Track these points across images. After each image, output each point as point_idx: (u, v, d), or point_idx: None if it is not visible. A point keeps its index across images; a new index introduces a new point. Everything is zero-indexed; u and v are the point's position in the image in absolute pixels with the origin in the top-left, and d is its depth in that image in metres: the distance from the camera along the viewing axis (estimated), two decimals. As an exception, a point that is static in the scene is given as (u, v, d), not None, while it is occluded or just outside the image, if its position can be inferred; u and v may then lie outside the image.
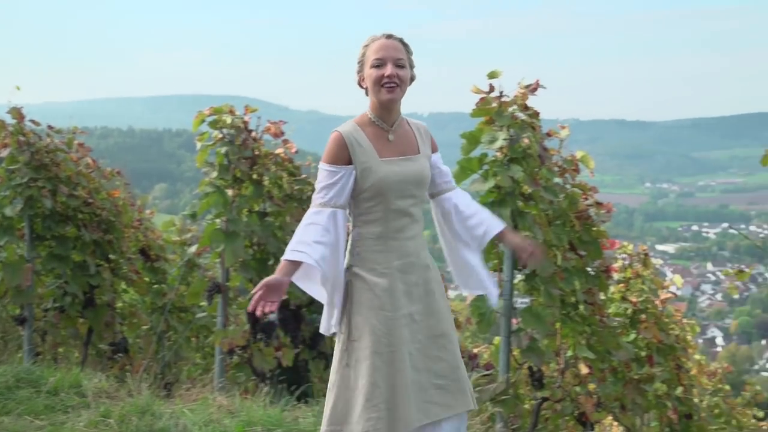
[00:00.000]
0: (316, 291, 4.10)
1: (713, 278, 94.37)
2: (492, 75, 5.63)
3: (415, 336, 4.04)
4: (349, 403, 4.00)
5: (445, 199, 4.35)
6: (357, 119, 4.14)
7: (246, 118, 6.80)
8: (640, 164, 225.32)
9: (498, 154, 5.63)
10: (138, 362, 7.61)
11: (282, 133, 7.01)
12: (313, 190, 6.90)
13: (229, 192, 6.62)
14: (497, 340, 6.02)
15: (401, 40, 4.12)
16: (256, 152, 6.75)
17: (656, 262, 7.79)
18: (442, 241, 4.45)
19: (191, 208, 6.89)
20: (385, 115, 4.09)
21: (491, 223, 4.33)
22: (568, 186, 6.01)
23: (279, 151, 7.04)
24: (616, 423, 6.99)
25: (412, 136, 4.18)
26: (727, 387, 11.13)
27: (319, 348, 6.98)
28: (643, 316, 7.05)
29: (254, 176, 6.75)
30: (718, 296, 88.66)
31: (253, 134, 6.83)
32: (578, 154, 6.03)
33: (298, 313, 6.85)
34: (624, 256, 7.31)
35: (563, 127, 5.97)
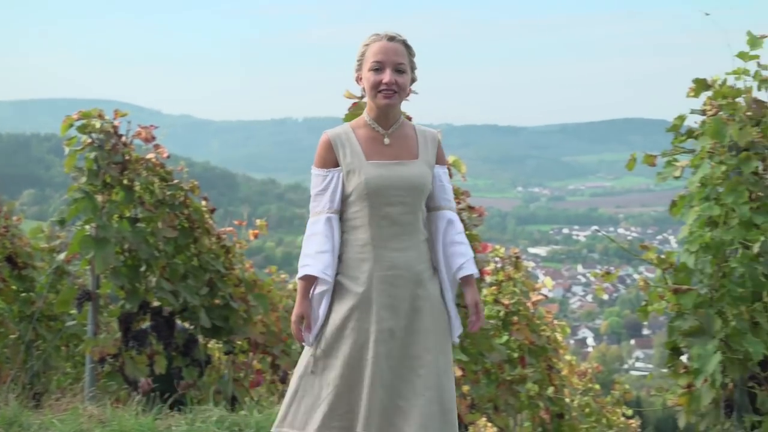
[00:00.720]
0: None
1: (584, 280, 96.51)
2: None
3: (391, 352, 3.83)
4: (311, 410, 3.86)
5: (439, 216, 4.08)
6: (353, 121, 4.02)
7: (116, 123, 6.67)
8: (513, 168, 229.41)
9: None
10: (5, 372, 7.38)
11: (153, 138, 6.89)
12: (185, 196, 6.84)
13: (99, 197, 6.48)
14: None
15: (404, 42, 3.94)
16: (127, 157, 6.62)
17: (528, 264, 7.94)
18: None
19: (60, 214, 6.70)
20: (382, 119, 3.93)
21: (469, 264, 4.05)
22: (441, 190, 6.07)
23: (150, 156, 6.92)
24: (489, 424, 7.09)
25: (413, 141, 3.98)
26: (597, 386, 11.40)
27: (192, 355, 6.89)
28: (516, 318, 7.17)
29: (125, 181, 6.62)
30: (589, 298, 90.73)
31: (123, 139, 6.70)
32: (450, 159, 6.08)
33: (171, 320, 6.75)
34: (496, 259, 7.42)
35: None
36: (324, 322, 3.88)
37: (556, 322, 8.93)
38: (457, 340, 4.19)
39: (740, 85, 5.23)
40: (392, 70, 3.84)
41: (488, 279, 7.24)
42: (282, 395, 6.51)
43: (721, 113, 5.15)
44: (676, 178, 5.35)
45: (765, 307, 4.98)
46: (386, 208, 3.84)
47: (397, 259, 3.86)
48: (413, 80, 4.03)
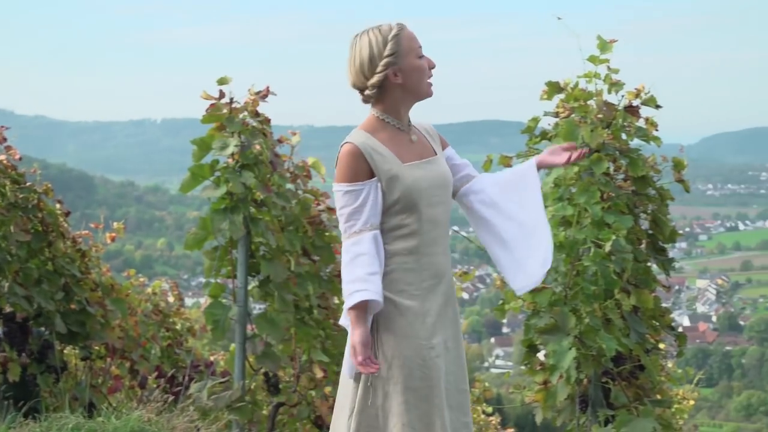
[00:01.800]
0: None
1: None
2: (222, 81, 5.59)
3: (449, 367, 3.59)
4: None
5: (476, 181, 3.85)
6: (364, 126, 3.64)
7: (-37, 124, 6.44)
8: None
9: (229, 160, 5.60)
10: None
11: (4, 139, 6.67)
12: (38, 198, 6.63)
13: (-54, 202, 6.25)
14: (233, 347, 5.98)
15: None
16: (-25, 160, 6.40)
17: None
18: (484, 234, 3.85)
19: None
20: (404, 115, 3.64)
21: (524, 169, 3.87)
22: (300, 192, 6.06)
23: (1, 157, 6.71)
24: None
25: (422, 136, 3.72)
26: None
27: (48, 361, 6.69)
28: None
29: (-27, 185, 6.40)
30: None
31: (-29, 141, 6.48)
32: (310, 161, 6.08)
33: (25, 326, 6.55)
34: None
35: (294, 134, 6.01)
36: (375, 346, 3.51)
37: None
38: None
39: (591, 88, 5.36)
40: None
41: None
42: (141, 400, 6.39)
43: (573, 115, 5.28)
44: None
45: (617, 304, 5.12)
46: (429, 210, 3.55)
47: (441, 264, 3.62)
48: None
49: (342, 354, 6.20)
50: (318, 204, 6.13)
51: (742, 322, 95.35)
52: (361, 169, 3.51)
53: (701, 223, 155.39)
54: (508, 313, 5.63)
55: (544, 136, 5.49)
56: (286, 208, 5.80)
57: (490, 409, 11.65)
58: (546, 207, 5.26)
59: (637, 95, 5.36)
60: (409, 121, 3.66)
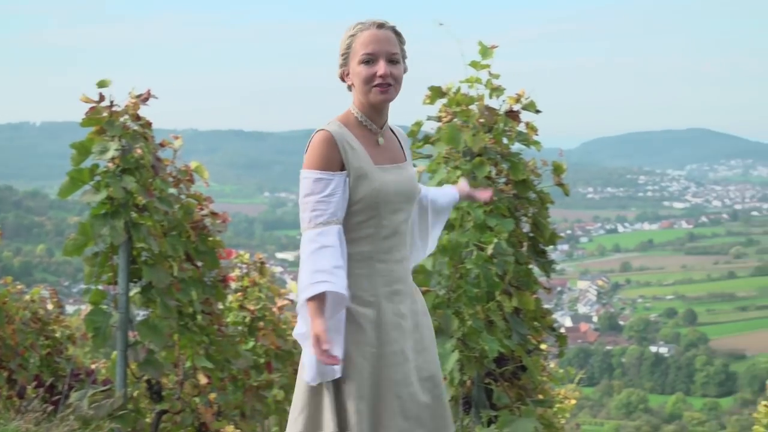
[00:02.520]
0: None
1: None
2: (101, 84, 5.49)
3: (408, 377, 3.44)
4: None
5: (423, 197, 3.80)
6: (341, 118, 3.50)
7: None
8: (259, 174, 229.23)
9: (110, 164, 5.50)
10: None
11: None
12: None
13: None
14: (114, 354, 5.87)
15: (394, 30, 3.49)
16: None
17: (276, 269, 7.93)
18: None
19: None
20: (375, 117, 3.48)
21: (444, 191, 3.91)
22: (183, 196, 5.99)
23: None
24: (237, 431, 7.06)
25: (395, 141, 3.59)
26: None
27: None
28: (261, 324, 7.16)
29: None
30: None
31: None
32: (192, 165, 6.01)
33: None
34: (241, 265, 7.39)
35: (176, 137, 5.94)
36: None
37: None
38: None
39: (473, 92, 5.43)
40: (386, 61, 3.39)
41: (233, 285, 7.20)
42: (19, 411, 6.23)
43: (455, 120, 5.34)
44: (414, 183, 5.49)
45: (499, 306, 5.19)
46: (390, 216, 3.43)
47: (397, 272, 3.49)
48: (405, 71, 3.55)
49: (227, 360, 6.16)
50: (201, 208, 6.07)
51: (621, 322, 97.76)
52: (333, 158, 3.38)
53: (582, 226, 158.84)
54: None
55: (427, 140, 5.54)
56: (168, 213, 5.72)
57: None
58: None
59: (518, 100, 5.45)
60: (384, 124, 3.54)
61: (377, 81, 3.38)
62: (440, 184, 5.33)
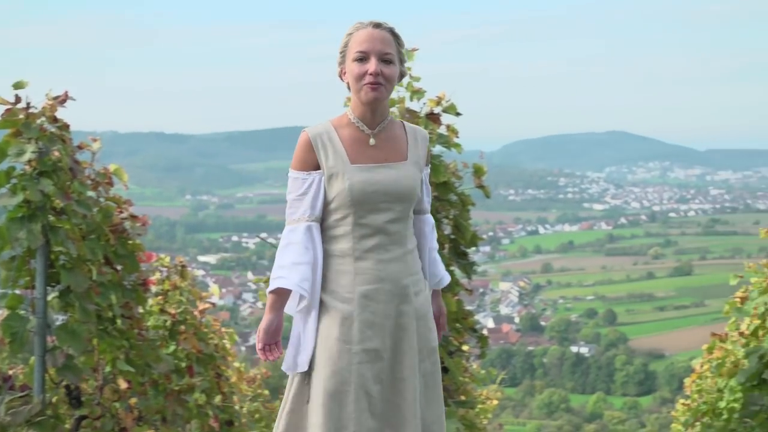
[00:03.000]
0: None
1: (254, 287, 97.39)
2: (18, 86, 5.40)
3: (379, 375, 3.48)
4: None
5: (425, 220, 3.77)
6: (335, 118, 3.59)
7: None
8: (180, 177, 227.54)
9: (26, 167, 5.42)
10: None
11: None
12: None
13: None
14: (32, 360, 5.78)
15: (392, 31, 3.52)
16: None
17: (198, 273, 7.90)
18: None
19: None
20: (368, 116, 3.53)
21: (444, 275, 3.83)
22: (102, 199, 5.92)
23: None
24: (158, 436, 7.00)
25: (402, 141, 3.60)
26: (267, 392, 11.54)
27: None
28: (183, 327, 7.11)
29: None
30: (259, 304, 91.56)
31: None
32: (111, 167, 5.95)
33: None
34: (162, 268, 7.32)
35: (95, 140, 5.87)
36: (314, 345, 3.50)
37: (223, 329, 8.95)
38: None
39: (394, 95, 5.45)
40: (378, 60, 3.44)
41: (154, 289, 7.14)
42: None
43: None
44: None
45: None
46: (371, 216, 3.48)
47: (381, 272, 3.50)
48: (402, 74, 3.60)
49: (147, 364, 6.11)
50: (121, 212, 6.00)
51: (543, 323, 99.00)
52: (308, 159, 3.51)
53: (503, 228, 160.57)
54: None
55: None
56: (87, 216, 5.65)
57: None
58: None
59: (438, 103, 5.49)
60: (381, 123, 3.58)
61: (368, 79, 3.43)
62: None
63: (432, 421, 3.66)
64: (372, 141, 3.53)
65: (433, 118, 5.48)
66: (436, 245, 3.83)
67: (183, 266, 7.45)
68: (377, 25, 3.49)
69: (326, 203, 3.51)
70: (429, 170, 3.81)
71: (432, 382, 3.67)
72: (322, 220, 3.54)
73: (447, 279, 3.86)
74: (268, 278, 5.96)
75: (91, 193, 5.83)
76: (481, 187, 5.74)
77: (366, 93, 3.46)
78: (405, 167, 3.56)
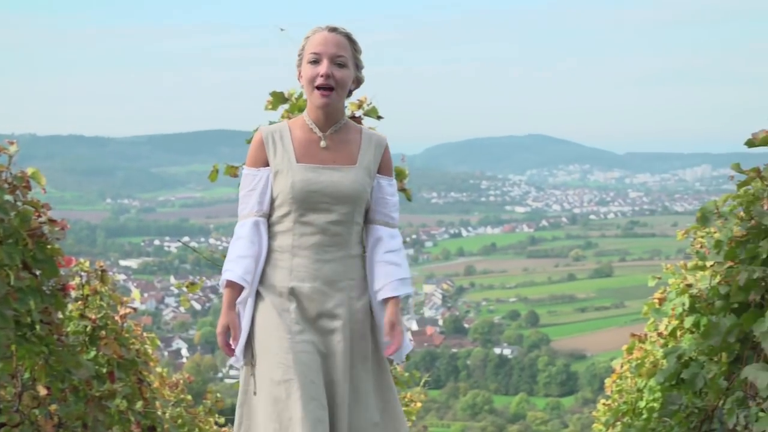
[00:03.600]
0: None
1: (176, 291, 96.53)
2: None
3: (320, 368, 3.53)
4: None
5: (370, 230, 3.74)
6: (293, 119, 3.69)
7: None
8: (101, 180, 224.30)
9: (-59, 171, 5.32)
10: None
11: None
12: None
13: None
14: (-53, 368, 5.68)
15: (347, 35, 3.57)
16: None
17: (120, 277, 7.81)
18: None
19: None
20: (321, 119, 3.58)
21: (390, 287, 3.69)
22: (19, 203, 5.83)
23: None
24: (79, 442, 6.91)
25: (355, 145, 3.64)
26: (190, 397, 11.45)
27: None
28: (103, 333, 7.03)
29: None
30: (182, 308, 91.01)
31: None
32: (29, 171, 5.86)
33: None
34: (82, 273, 7.24)
35: (12, 143, 5.78)
36: (251, 338, 3.57)
37: (145, 334, 8.86)
38: (400, 361, 3.83)
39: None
40: (330, 63, 3.50)
41: (74, 294, 7.04)
42: None
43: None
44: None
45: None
46: (312, 215, 3.55)
47: (316, 271, 3.56)
48: (359, 81, 3.66)
49: (67, 370, 6.03)
50: (39, 216, 5.92)
51: (466, 325, 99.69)
52: (258, 156, 3.61)
53: (426, 230, 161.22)
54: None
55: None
56: (3, 221, 5.57)
57: (222, 420, 11.63)
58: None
59: (360, 106, 5.50)
60: (334, 126, 3.65)
61: (319, 81, 3.51)
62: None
63: (358, 429, 3.66)
64: (323, 143, 3.61)
65: (354, 120, 5.49)
66: (387, 257, 3.76)
67: (103, 271, 7.36)
68: (333, 29, 3.57)
69: (273, 200, 3.61)
70: (394, 181, 3.84)
71: (363, 389, 3.67)
72: (270, 216, 3.64)
73: (387, 292, 3.73)
74: (190, 282, 5.95)
75: (8, 197, 5.74)
76: (403, 190, 5.76)
77: (317, 98, 3.55)
78: (352, 171, 3.61)
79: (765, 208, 4.57)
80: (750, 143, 4.71)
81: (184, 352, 72.47)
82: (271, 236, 3.63)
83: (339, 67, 3.53)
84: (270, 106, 5.49)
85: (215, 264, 5.65)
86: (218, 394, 11.98)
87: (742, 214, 4.88)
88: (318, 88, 3.54)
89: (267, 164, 3.61)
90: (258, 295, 3.61)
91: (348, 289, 3.63)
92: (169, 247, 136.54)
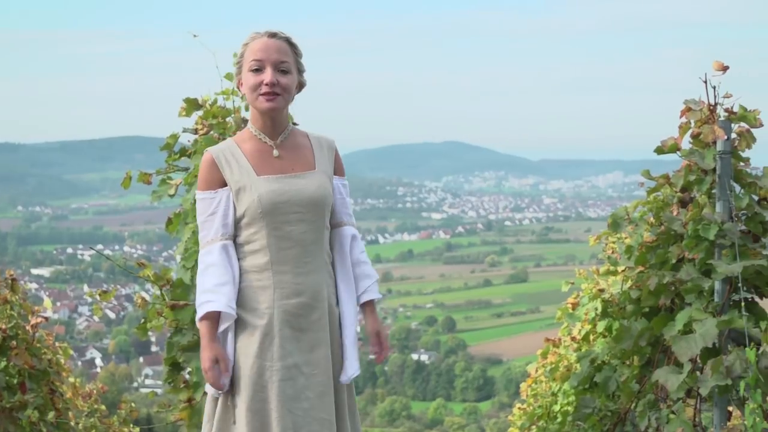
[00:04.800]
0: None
1: (90, 300, 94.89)
2: None
3: (303, 392, 3.38)
4: None
5: (342, 233, 3.64)
6: (237, 135, 3.50)
7: None
8: (11, 187, 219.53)
9: None
10: None
11: None
12: None
13: None
14: None
15: (288, 40, 3.44)
16: None
17: (31, 286, 7.66)
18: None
19: None
20: (268, 127, 3.44)
21: (374, 286, 3.68)
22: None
23: None
24: (-11, 455, 6.76)
25: (308, 150, 3.53)
26: (103, 407, 11.27)
27: None
28: (14, 343, 6.89)
29: None
30: (96, 318, 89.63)
31: None
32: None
33: None
34: (-8, 282, 7.09)
35: None
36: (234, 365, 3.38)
37: (58, 344, 8.71)
38: (347, 378, 3.63)
39: (229, 104, 5.42)
40: (274, 70, 3.39)
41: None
42: None
43: (212, 132, 5.31)
44: (171, 196, 5.39)
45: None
46: (285, 227, 3.40)
47: (301, 285, 3.43)
48: (301, 85, 3.53)
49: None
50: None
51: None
52: (213, 177, 3.43)
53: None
54: (159, 331, 5.55)
55: (183, 152, 5.48)
56: None
57: (137, 429, 11.49)
58: (187, 223, 5.25)
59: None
60: (282, 134, 3.54)
61: (263, 89, 3.39)
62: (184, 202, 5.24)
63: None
64: (276, 152, 3.49)
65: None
66: (364, 257, 3.74)
67: (14, 279, 7.21)
68: (273, 35, 3.46)
69: (238, 219, 3.44)
70: (346, 182, 3.76)
71: (341, 412, 3.60)
72: (237, 237, 3.47)
73: (374, 292, 3.74)
74: (102, 291, 5.84)
75: None
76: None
77: (262, 103, 3.42)
78: (314, 176, 3.52)
79: (674, 213, 4.65)
80: (659, 150, 4.79)
81: (99, 361, 71.20)
82: (241, 257, 3.46)
83: (283, 73, 3.43)
84: (184, 113, 5.43)
85: (129, 272, 5.56)
86: (133, 404, 11.80)
87: (652, 219, 4.97)
88: (262, 94, 3.43)
89: (223, 184, 3.44)
90: (238, 320, 3.44)
91: (328, 297, 3.55)
92: (82, 255, 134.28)
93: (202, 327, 3.40)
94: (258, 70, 3.41)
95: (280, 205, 3.40)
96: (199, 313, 3.39)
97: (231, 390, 3.43)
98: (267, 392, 3.36)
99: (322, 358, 3.48)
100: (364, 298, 3.71)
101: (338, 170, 3.69)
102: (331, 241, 3.66)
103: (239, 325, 3.43)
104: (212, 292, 3.36)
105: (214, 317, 3.39)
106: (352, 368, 3.62)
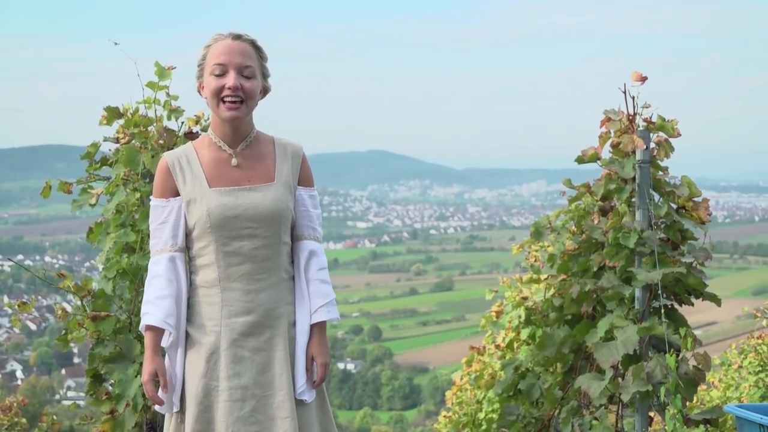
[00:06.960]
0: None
1: (10, 311, 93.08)
2: None
3: (253, 415, 3.21)
4: None
5: (300, 247, 3.41)
6: (198, 139, 3.32)
7: None
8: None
9: None
10: None
11: None
12: None
13: None
14: None
15: (253, 43, 3.25)
16: None
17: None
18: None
19: None
20: (229, 134, 3.25)
21: (327, 307, 3.46)
22: None
23: None
24: None
25: (269, 159, 3.32)
26: (24, 420, 11.07)
27: None
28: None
29: None
30: (16, 329, 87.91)
31: None
32: None
33: None
34: None
35: None
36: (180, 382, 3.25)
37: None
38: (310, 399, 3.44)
39: (151, 113, 5.36)
40: (237, 74, 3.21)
41: None
42: None
43: (134, 141, 5.24)
44: (92, 205, 5.31)
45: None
46: (235, 242, 3.23)
47: (251, 303, 3.25)
48: (265, 90, 3.34)
49: None
50: None
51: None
52: (167, 186, 3.29)
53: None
54: (81, 342, 5.45)
55: (105, 162, 5.41)
56: None
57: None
58: (108, 233, 5.18)
59: (197, 122, 5.43)
60: (244, 141, 3.34)
61: (226, 93, 3.23)
62: (119, 207, 5.18)
63: None
64: (234, 161, 3.32)
65: (191, 137, 5.40)
66: (322, 275, 3.52)
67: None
68: (237, 37, 3.28)
69: (189, 231, 3.31)
70: (315, 192, 3.55)
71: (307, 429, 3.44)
72: (189, 249, 3.35)
73: (327, 314, 3.52)
74: (21, 302, 5.73)
75: None
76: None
77: (224, 111, 3.25)
78: (271, 189, 3.32)
79: (595, 222, 4.71)
80: (579, 160, 4.86)
81: (19, 373, 69.84)
82: (193, 271, 3.33)
83: (246, 78, 3.26)
84: (105, 122, 5.35)
85: (49, 283, 5.46)
86: (54, 417, 11.59)
87: (573, 228, 5.02)
88: (224, 101, 3.25)
89: (177, 193, 3.29)
90: (188, 337, 3.31)
91: (287, 315, 3.37)
92: (2, 265, 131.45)
93: (146, 338, 3.31)
94: (220, 75, 3.24)
95: (230, 220, 3.24)
96: (141, 324, 3.32)
97: (181, 408, 3.32)
98: (212, 413, 3.23)
99: (276, 379, 3.30)
100: (315, 319, 3.48)
101: (304, 180, 3.48)
102: (296, 252, 3.49)
103: (189, 341, 3.31)
104: (152, 304, 3.25)
105: (156, 330, 3.29)
106: (299, 386, 3.39)
